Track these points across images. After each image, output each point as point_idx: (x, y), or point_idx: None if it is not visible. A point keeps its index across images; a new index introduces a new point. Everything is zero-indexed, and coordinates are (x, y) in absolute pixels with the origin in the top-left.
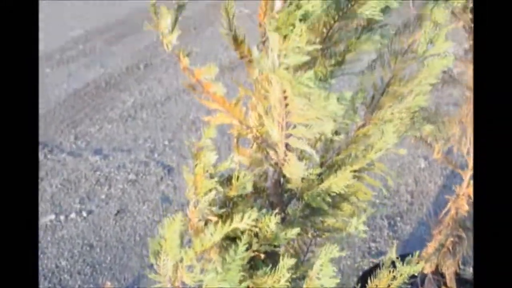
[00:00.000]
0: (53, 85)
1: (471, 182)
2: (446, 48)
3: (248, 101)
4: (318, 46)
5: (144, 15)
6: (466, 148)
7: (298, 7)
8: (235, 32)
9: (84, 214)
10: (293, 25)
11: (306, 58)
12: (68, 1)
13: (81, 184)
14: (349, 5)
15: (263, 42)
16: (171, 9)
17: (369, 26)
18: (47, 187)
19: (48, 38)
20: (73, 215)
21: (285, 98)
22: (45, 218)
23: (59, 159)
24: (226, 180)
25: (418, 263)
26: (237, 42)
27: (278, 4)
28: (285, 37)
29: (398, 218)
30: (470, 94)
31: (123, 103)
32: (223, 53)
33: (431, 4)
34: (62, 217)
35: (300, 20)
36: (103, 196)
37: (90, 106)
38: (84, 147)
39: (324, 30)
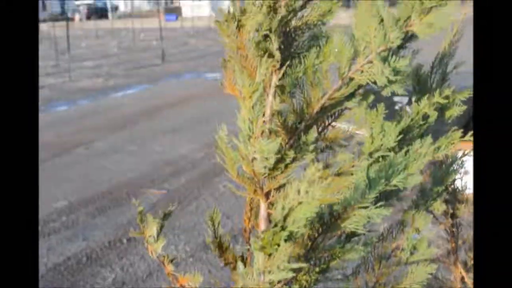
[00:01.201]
0: None
1: None
2: (430, 254)
3: None
4: (303, 265)
5: (128, 188)
6: None
7: (283, 228)
8: (220, 239)
9: None
10: (278, 245)
11: (291, 274)
12: (52, 170)
13: None
14: (333, 219)
15: (248, 250)
16: (157, 218)
17: (352, 234)
18: None
19: None
20: None
21: None
22: None
23: None
24: None
25: None
26: (221, 249)
27: (263, 225)
28: (269, 255)
29: None
30: None
31: (104, 280)
32: (207, 229)
33: (413, 211)
34: None
35: (285, 240)
36: None
37: (70, 282)
38: None
39: (309, 242)
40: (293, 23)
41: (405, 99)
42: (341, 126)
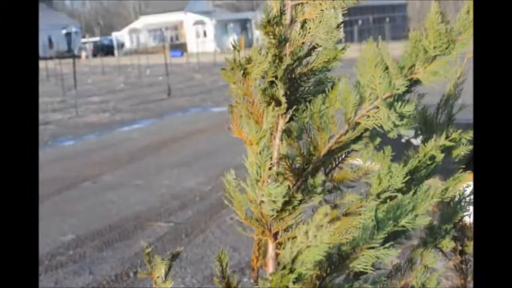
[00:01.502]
0: None
1: None
2: None
3: None
4: None
5: (136, 222)
6: None
7: (292, 270)
8: (228, 279)
9: None
10: (287, 287)
11: None
12: (60, 204)
13: None
14: (341, 260)
15: None
16: (165, 259)
17: (361, 273)
18: None
19: (40, 242)
20: None
21: None
22: None
23: None
24: None
25: None
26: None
27: (271, 264)
28: None
29: None
30: None
31: None
32: (214, 261)
33: (421, 249)
34: None
35: (294, 282)
36: None
37: None
38: None
39: (317, 282)
40: (299, 70)
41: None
42: (353, 162)
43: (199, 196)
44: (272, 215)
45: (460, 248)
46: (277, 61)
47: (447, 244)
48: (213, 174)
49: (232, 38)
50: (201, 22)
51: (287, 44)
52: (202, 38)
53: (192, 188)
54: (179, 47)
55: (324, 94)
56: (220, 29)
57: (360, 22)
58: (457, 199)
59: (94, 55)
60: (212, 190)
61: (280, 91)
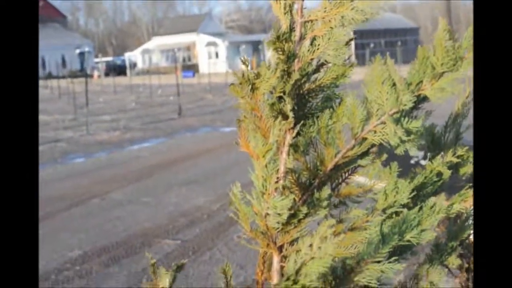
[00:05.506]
0: None
1: None
2: None
3: None
4: None
5: (143, 238)
6: None
7: (296, 282)
8: None
9: None
10: None
11: None
12: (68, 220)
13: None
14: (345, 273)
15: None
16: (170, 270)
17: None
18: None
19: (46, 257)
20: None
21: None
22: None
23: None
24: None
25: None
26: None
27: (275, 278)
28: None
29: None
30: None
31: None
32: (220, 278)
33: (427, 265)
34: None
35: None
36: None
37: None
38: None
39: None
40: (307, 85)
41: (421, 154)
42: (358, 180)
43: (207, 214)
44: (277, 228)
45: (466, 265)
46: (285, 76)
47: (453, 261)
48: (222, 192)
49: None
50: (214, 44)
51: (296, 60)
52: (214, 59)
53: (200, 206)
54: (191, 68)
55: (331, 109)
56: (232, 51)
57: (372, 45)
58: (464, 217)
59: (107, 74)
60: (220, 208)
61: (287, 106)
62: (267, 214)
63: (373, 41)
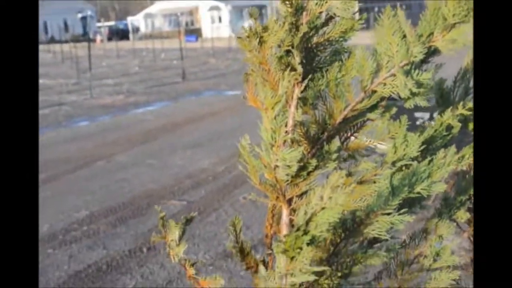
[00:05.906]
0: (54, 266)
1: None
2: (453, 262)
3: None
4: (325, 268)
5: (149, 199)
6: None
7: (306, 232)
8: (241, 244)
9: None
10: (301, 248)
11: (313, 277)
12: (74, 182)
13: None
14: (355, 225)
15: (269, 254)
16: (179, 222)
17: (375, 240)
18: None
19: (53, 219)
20: None
21: None
22: None
23: None
24: None
25: None
26: (243, 253)
27: (285, 230)
28: (292, 258)
29: None
30: None
31: (124, 286)
32: (227, 238)
33: (436, 219)
34: None
35: (308, 244)
36: None
37: None
38: None
39: (331, 247)
40: (315, 39)
41: (427, 115)
42: (363, 138)
43: (212, 176)
44: (287, 180)
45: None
46: (293, 30)
47: (462, 215)
48: (226, 155)
49: (247, 24)
50: (217, 8)
51: (304, 13)
52: (217, 23)
53: (205, 168)
54: (194, 32)
55: (340, 62)
56: (235, 15)
57: (376, 9)
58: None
59: (109, 39)
60: (225, 170)
61: (296, 59)
62: (276, 166)
63: (378, 5)
